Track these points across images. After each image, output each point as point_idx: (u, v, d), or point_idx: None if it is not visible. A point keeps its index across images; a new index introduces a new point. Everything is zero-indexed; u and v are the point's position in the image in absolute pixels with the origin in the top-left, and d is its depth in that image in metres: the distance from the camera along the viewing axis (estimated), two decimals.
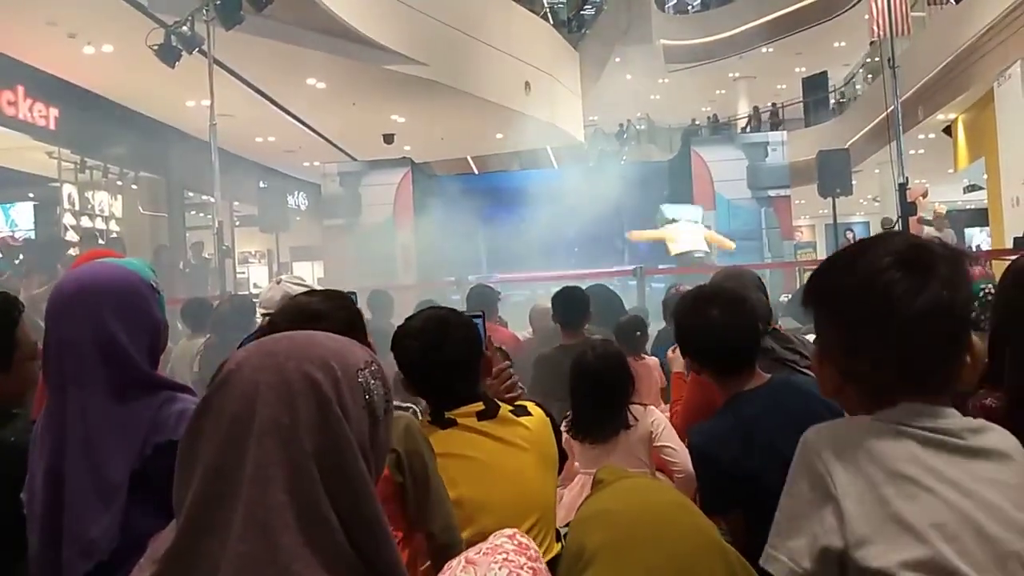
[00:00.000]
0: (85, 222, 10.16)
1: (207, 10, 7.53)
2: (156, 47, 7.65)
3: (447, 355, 1.74)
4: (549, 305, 4.01)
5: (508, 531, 1.13)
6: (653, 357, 3.66)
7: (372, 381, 0.88)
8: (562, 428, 2.51)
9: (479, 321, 1.93)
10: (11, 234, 9.33)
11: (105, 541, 1.41)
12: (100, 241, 9.82)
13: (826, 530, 0.96)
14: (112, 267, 1.63)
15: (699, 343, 1.93)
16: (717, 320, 1.89)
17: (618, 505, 1.26)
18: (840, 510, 0.96)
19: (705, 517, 1.42)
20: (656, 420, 2.48)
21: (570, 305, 3.79)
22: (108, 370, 1.47)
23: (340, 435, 0.83)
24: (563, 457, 2.03)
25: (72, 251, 8.87)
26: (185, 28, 7.69)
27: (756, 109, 22.53)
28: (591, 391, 2.46)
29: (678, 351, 2.43)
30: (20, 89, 8.72)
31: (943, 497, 0.96)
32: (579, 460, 2.50)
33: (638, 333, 3.65)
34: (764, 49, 19.63)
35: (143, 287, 1.57)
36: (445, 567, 1.06)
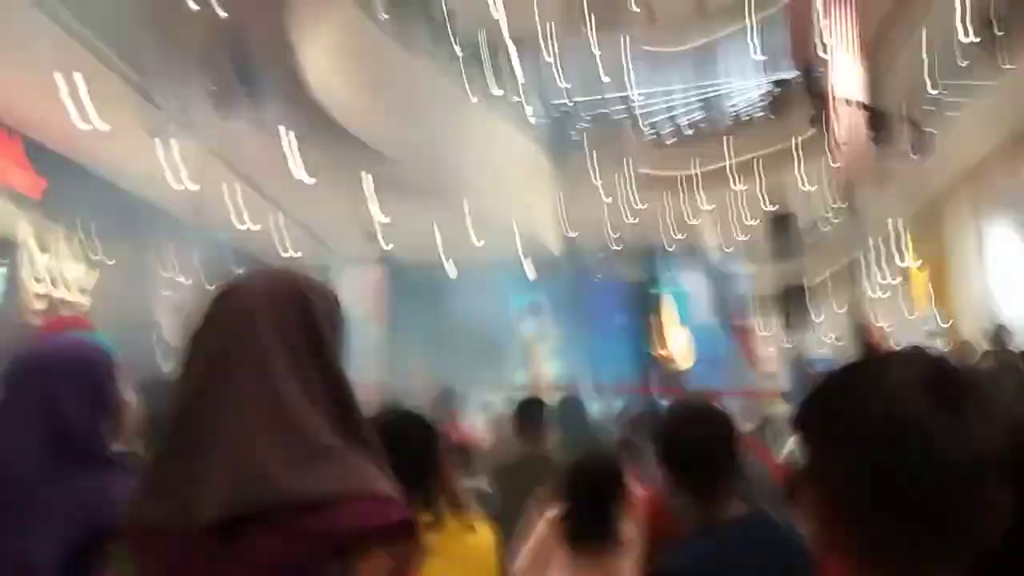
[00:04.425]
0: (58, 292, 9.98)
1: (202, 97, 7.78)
2: (150, 129, 7.83)
3: (403, 457, 1.73)
4: (509, 412, 4.03)
5: None
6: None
7: (327, 290, 1.12)
8: (541, 531, 2.40)
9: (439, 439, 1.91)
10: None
11: None
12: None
13: None
14: (72, 340, 1.62)
15: (680, 458, 1.90)
16: (700, 439, 1.87)
17: None
18: None
19: None
20: None
21: (529, 416, 3.81)
22: (53, 444, 1.41)
23: (316, 325, 1.04)
24: None
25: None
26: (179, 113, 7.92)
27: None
28: (586, 498, 2.37)
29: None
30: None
31: None
32: (564, 568, 2.36)
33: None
34: (734, 186, 20.45)
35: (101, 362, 1.53)
36: None
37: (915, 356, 0.86)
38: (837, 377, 0.88)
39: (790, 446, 4.54)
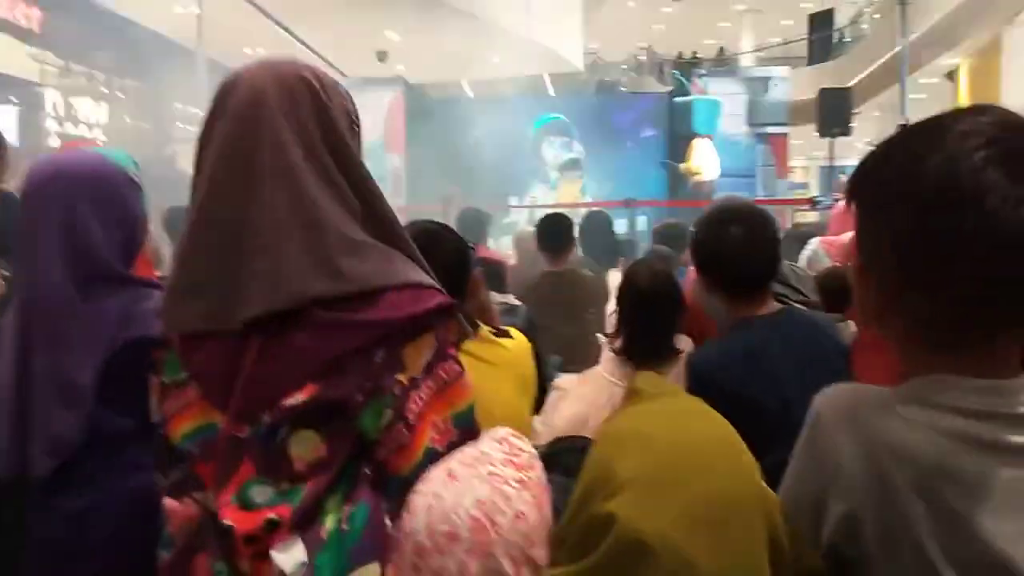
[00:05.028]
0: (69, 128, 9.91)
1: None
2: None
3: (435, 266, 1.70)
4: (532, 229, 3.98)
5: (500, 432, 1.05)
6: None
7: (339, 85, 1.06)
8: (608, 350, 2.21)
9: (470, 249, 1.89)
10: None
11: (70, 439, 1.35)
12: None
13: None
14: (90, 154, 1.54)
15: (716, 261, 1.83)
16: (738, 239, 1.78)
17: (658, 430, 1.12)
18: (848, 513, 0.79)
19: (750, 456, 1.32)
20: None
21: (554, 232, 3.74)
22: (76, 261, 1.38)
23: (331, 119, 1.00)
24: (543, 390, 1.98)
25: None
26: None
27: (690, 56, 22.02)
28: (645, 316, 2.15)
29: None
30: None
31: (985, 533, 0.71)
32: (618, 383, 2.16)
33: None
34: None
35: (121, 178, 1.47)
36: (425, 478, 0.96)
37: (978, 122, 0.73)
38: (892, 141, 0.79)
39: (811, 249, 4.40)
